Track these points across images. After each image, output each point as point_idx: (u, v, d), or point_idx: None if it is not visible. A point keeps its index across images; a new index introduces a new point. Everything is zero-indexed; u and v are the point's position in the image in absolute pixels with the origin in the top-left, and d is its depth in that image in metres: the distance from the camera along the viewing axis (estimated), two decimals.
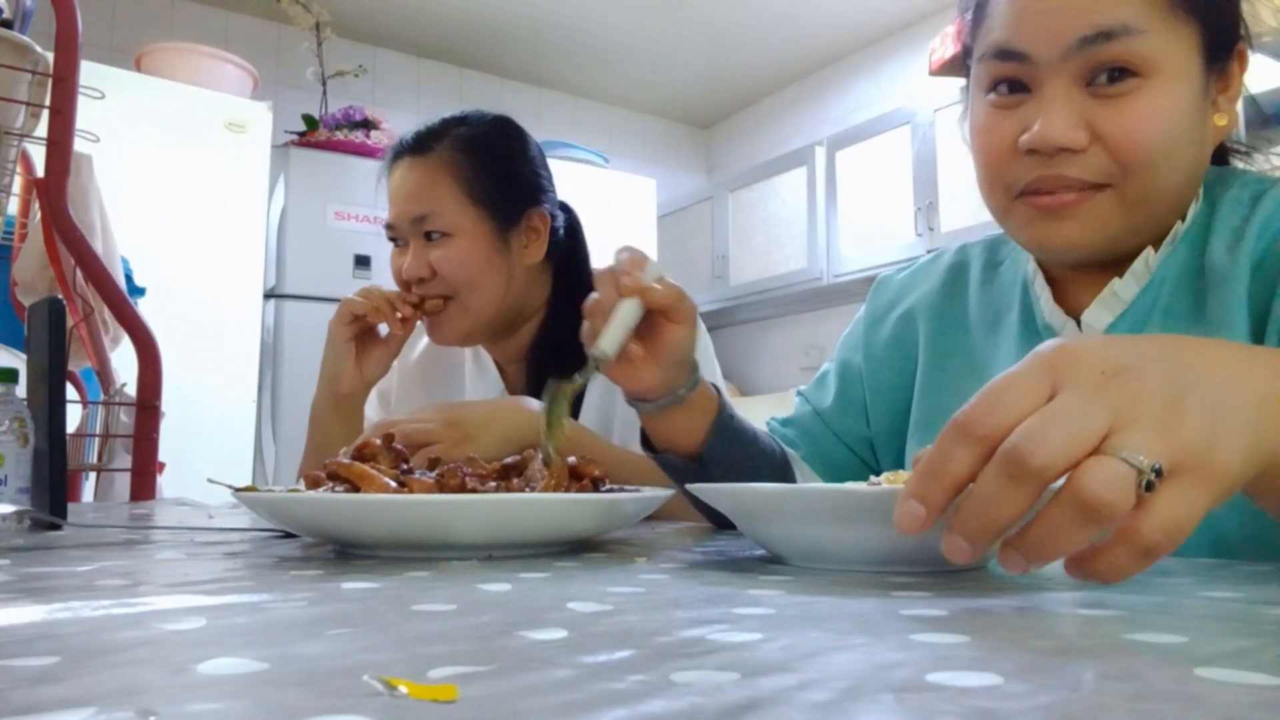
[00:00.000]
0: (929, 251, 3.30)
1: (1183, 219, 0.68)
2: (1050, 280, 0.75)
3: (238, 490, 0.56)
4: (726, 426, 0.73)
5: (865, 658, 0.25)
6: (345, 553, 0.55)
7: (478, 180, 1.06)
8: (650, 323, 0.65)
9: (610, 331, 0.61)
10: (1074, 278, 0.73)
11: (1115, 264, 0.68)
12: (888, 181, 3.47)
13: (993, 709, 0.19)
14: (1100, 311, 0.69)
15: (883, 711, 0.19)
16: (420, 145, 1.07)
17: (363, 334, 1.06)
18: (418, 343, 1.24)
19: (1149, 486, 0.31)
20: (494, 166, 1.07)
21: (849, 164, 3.65)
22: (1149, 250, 0.68)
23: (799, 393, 0.95)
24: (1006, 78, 0.65)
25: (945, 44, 3.17)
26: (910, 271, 0.92)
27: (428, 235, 1.05)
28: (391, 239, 1.10)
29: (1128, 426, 0.32)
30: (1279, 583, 0.41)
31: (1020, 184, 0.65)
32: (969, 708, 0.19)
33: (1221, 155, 0.75)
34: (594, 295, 0.65)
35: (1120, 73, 0.61)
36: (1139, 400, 0.33)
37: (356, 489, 0.55)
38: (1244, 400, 0.35)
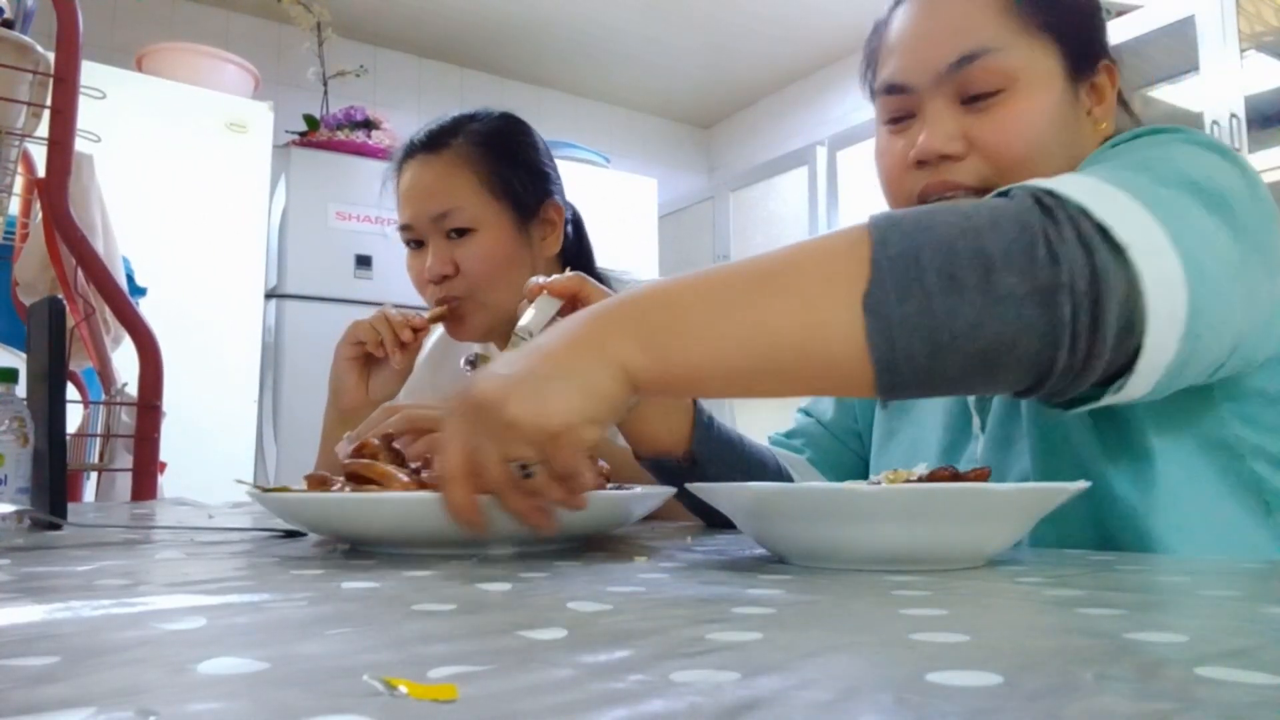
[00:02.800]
0: None
1: None
2: None
3: (269, 489, 0.57)
4: (709, 424, 0.74)
5: (865, 658, 0.25)
6: (349, 551, 0.55)
7: (496, 173, 1.06)
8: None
9: (530, 315, 0.71)
10: None
11: None
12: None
13: (993, 709, 0.19)
14: None
15: (883, 711, 0.19)
16: (434, 143, 1.07)
17: (367, 355, 1.06)
18: (428, 339, 1.25)
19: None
20: (510, 159, 1.07)
21: (850, 164, 3.65)
22: None
23: (799, 409, 0.96)
24: (896, 108, 0.74)
25: None
26: None
27: (448, 233, 1.05)
28: (407, 240, 1.09)
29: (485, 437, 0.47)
30: (1279, 582, 0.41)
31: (915, 193, 0.72)
32: (969, 708, 0.19)
33: None
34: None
35: (989, 92, 0.68)
36: (481, 418, 0.47)
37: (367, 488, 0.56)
38: (576, 354, 0.47)
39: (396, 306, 1.06)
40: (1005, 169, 0.68)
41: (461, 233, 1.04)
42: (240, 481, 0.68)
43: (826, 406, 0.93)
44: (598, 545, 0.59)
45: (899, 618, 0.31)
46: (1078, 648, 0.26)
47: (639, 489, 0.64)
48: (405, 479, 0.57)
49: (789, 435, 0.93)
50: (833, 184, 3.70)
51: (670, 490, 0.62)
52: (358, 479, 0.57)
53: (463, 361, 1.21)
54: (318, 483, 0.58)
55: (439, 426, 0.84)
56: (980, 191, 0.68)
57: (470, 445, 0.47)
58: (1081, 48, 0.71)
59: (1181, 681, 0.22)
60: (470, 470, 0.47)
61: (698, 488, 0.53)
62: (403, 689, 0.21)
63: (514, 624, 0.29)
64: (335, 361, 1.06)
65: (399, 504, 0.52)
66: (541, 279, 0.73)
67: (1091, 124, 0.72)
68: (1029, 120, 0.68)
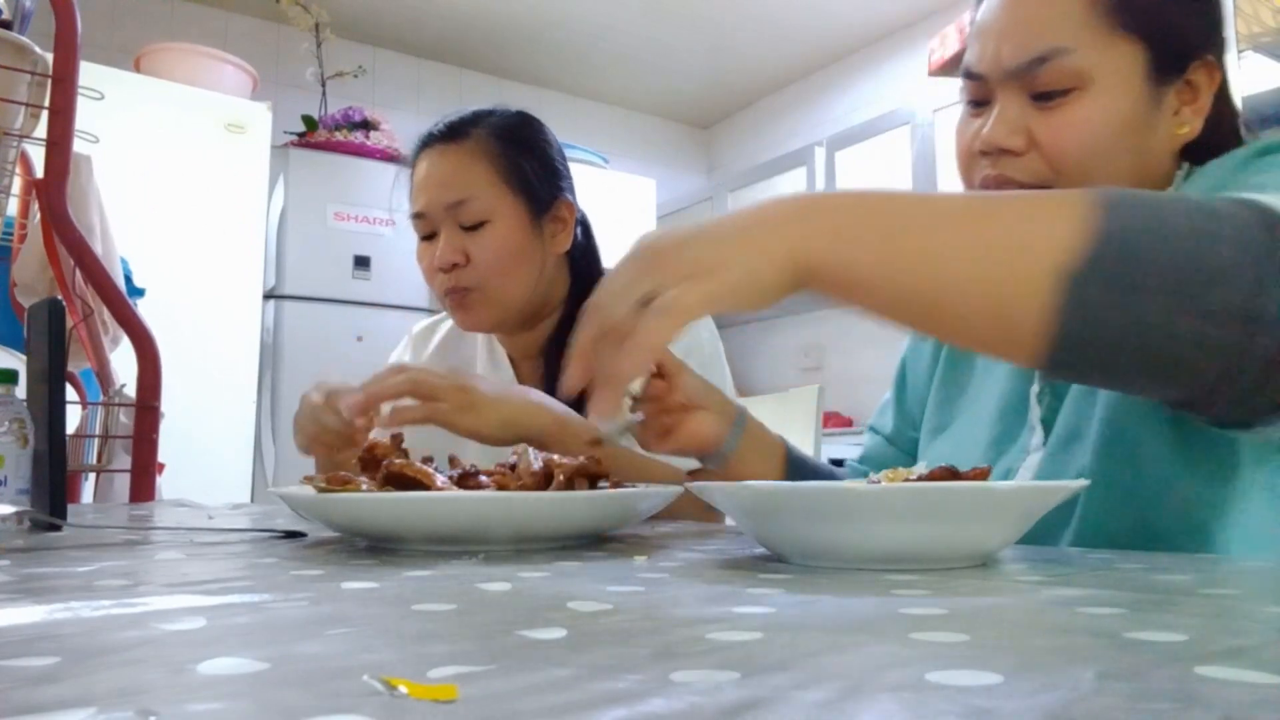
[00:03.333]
0: None
1: None
2: None
3: (319, 484, 0.58)
4: (799, 460, 0.79)
5: (865, 657, 0.25)
6: (349, 551, 0.55)
7: (513, 165, 1.06)
8: (654, 391, 0.76)
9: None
10: None
11: None
12: (887, 182, 3.46)
13: (993, 709, 0.19)
14: None
15: (883, 711, 0.19)
16: (453, 133, 1.07)
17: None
18: (434, 335, 1.25)
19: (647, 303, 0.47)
20: (527, 153, 1.08)
21: (849, 164, 3.65)
22: None
23: (869, 428, 0.97)
24: (974, 93, 0.73)
25: (944, 44, 3.17)
26: None
27: (462, 224, 1.05)
28: (420, 231, 1.09)
29: (650, 267, 0.48)
30: (1279, 582, 0.41)
31: (977, 181, 0.72)
32: (969, 707, 0.19)
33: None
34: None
35: (1061, 91, 0.67)
36: (666, 245, 0.48)
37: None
38: (762, 224, 0.48)
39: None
40: (1063, 170, 0.67)
41: (475, 225, 1.04)
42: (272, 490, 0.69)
43: (887, 420, 0.93)
44: (598, 545, 0.60)
45: (899, 618, 0.31)
46: (1078, 648, 0.26)
47: (641, 488, 0.64)
48: (441, 479, 0.58)
49: (861, 460, 0.95)
50: (831, 185, 3.70)
51: (675, 490, 0.62)
52: (397, 480, 0.58)
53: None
54: (340, 482, 0.59)
55: (440, 395, 0.84)
56: (1035, 188, 0.67)
57: (623, 282, 0.48)
58: (1172, 47, 0.68)
59: (1181, 681, 0.22)
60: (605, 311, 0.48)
61: (697, 487, 0.53)
62: (403, 689, 0.21)
63: (514, 624, 0.29)
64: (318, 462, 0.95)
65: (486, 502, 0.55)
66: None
67: (1174, 125, 0.69)
68: (1095, 124, 0.67)
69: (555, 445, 0.83)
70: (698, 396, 0.77)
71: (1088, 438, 0.67)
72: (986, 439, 0.77)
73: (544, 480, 0.60)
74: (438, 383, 0.84)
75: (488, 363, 1.20)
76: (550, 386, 1.08)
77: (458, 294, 1.06)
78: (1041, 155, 0.68)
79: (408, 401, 0.82)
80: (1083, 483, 0.48)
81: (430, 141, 1.08)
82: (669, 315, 0.46)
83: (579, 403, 1.02)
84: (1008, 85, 0.69)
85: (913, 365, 0.93)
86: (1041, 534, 0.63)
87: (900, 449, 0.92)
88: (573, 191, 1.14)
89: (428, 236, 1.08)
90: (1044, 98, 0.68)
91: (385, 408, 0.82)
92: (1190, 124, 0.70)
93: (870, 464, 0.93)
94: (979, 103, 0.73)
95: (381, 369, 0.86)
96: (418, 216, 1.08)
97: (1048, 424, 0.72)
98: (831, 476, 0.85)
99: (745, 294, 0.47)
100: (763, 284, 0.47)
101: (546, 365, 1.12)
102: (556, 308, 1.13)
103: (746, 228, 0.48)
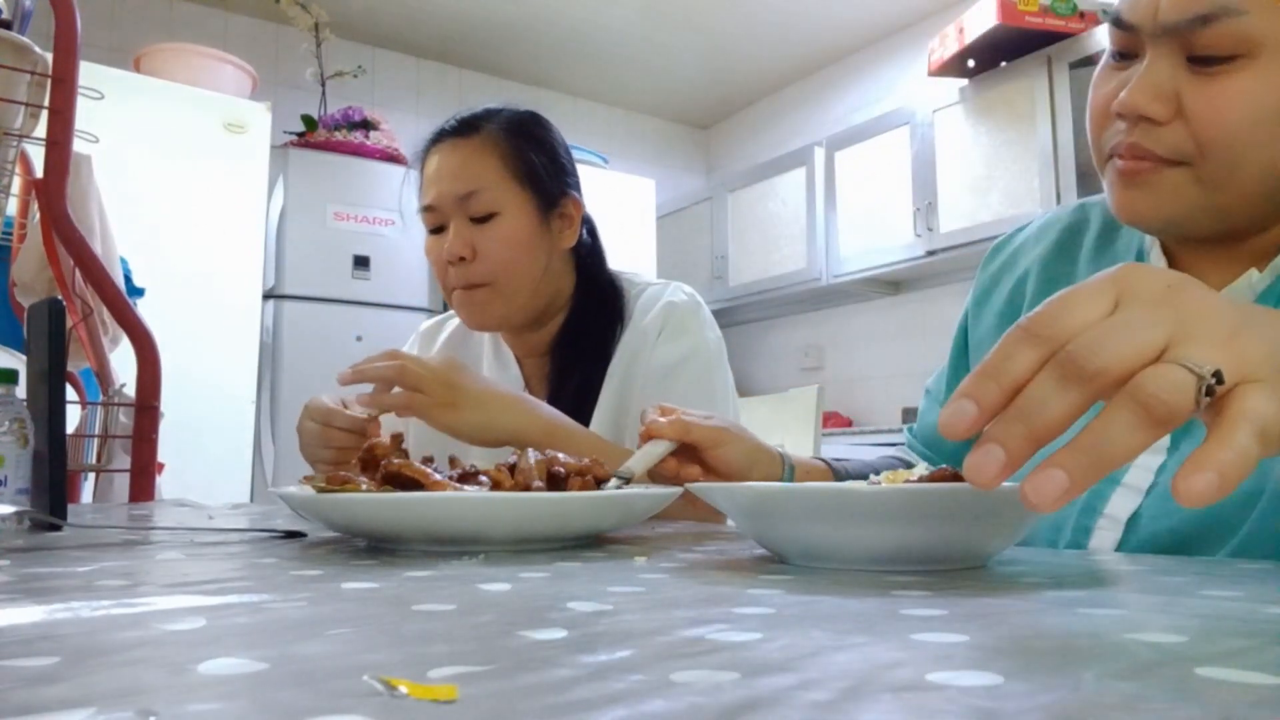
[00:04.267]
0: (928, 253, 3.32)
1: None
2: (1168, 254, 0.71)
3: (322, 486, 0.58)
4: (844, 472, 0.77)
5: (865, 658, 0.25)
6: (349, 551, 0.55)
7: (523, 160, 1.07)
8: (689, 476, 0.72)
9: (638, 459, 0.69)
10: (1194, 258, 0.69)
11: (1240, 248, 0.65)
12: (887, 182, 3.47)
13: (993, 709, 0.19)
14: None
15: (883, 711, 0.19)
16: (465, 127, 1.08)
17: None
18: (441, 333, 1.25)
19: (1209, 392, 0.31)
20: (537, 148, 1.09)
21: (848, 164, 3.66)
22: None
23: (926, 390, 0.94)
24: (1122, 44, 0.65)
25: (944, 44, 3.17)
26: (1024, 234, 0.88)
27: (471, 217, 1.05)
28: (430, 224, 1.09)
29: (1188, 339, 0.32)
30: (1279, 582, 0.41)
31: (1108, 146, 0.65)
32: (969, 708, 0.19)
33: None
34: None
35: (1222, 56, 0.59)
36: (1202, 316, 0.33)
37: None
38: None
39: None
40: (1210, 149, 0.60)
41: (484, 218, 1.05)
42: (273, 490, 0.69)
43: (942, 389, 0.90)
44: (598, 545, 0.60)
45: (899, 618, 0.31)
46: (1078, 648, 0.26)
47: (642, 488, 0.64)
48: (440, 478, 0.58)
49: (914, 434, 0.92)
50: (830, 185, 3.71)
51: (675, 490, 0.62)
52: (396, 480, 0.58)
53: None
54: (340, 482, 0.59)
55: (424, 388, 0.84)
56: (1172, 164, 0.61)
57: (1152, 337, 0.33)
58: None
59: (1181, 682, 0.22)
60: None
61: (697, 488, 0.53)
62: (403, 689, 0.21)
63: (514, 624, 0.29)
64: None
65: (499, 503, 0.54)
66: (652, 416, 0.73)
67: None
68: (1257, 99, 0.59)
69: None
70: (741, 468, 0.73)
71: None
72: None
73: (550, 482, 0.61)
74: (424, 375, 0.84)
75: (494, 361, 1.20)
76: (555, 385, 1.08)
77: (466, 291, 1.06)
78: (1188, 128, 0.60)
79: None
80: None
81: (442, 136, 1.10)
82: (1245, 421, 0.31)
83: (577, 407, 1.02)
84: (1161, 42, 0.61)
85: (976, 328, 0.86)
86: (1197, 543, 0.59)
87: (943, 455, 0.88)
88: (579, 190, 1.15)
89: (436, 230, 1.09)
90: (1203, 62, 0.60)
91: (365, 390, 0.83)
92: None
93: (921, 438, 0.90)
94: (1125, 55, 0.65)
95: (377, 353, 0.86)
96: (428, 209, 1.08)
97: None
98: (874, 469, 0.84)
99: None
100: None
101: (551, 364, 1.12)
102: (562, 307, 1.14)
103: None
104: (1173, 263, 0.71)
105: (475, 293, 1.06)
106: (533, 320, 1.12)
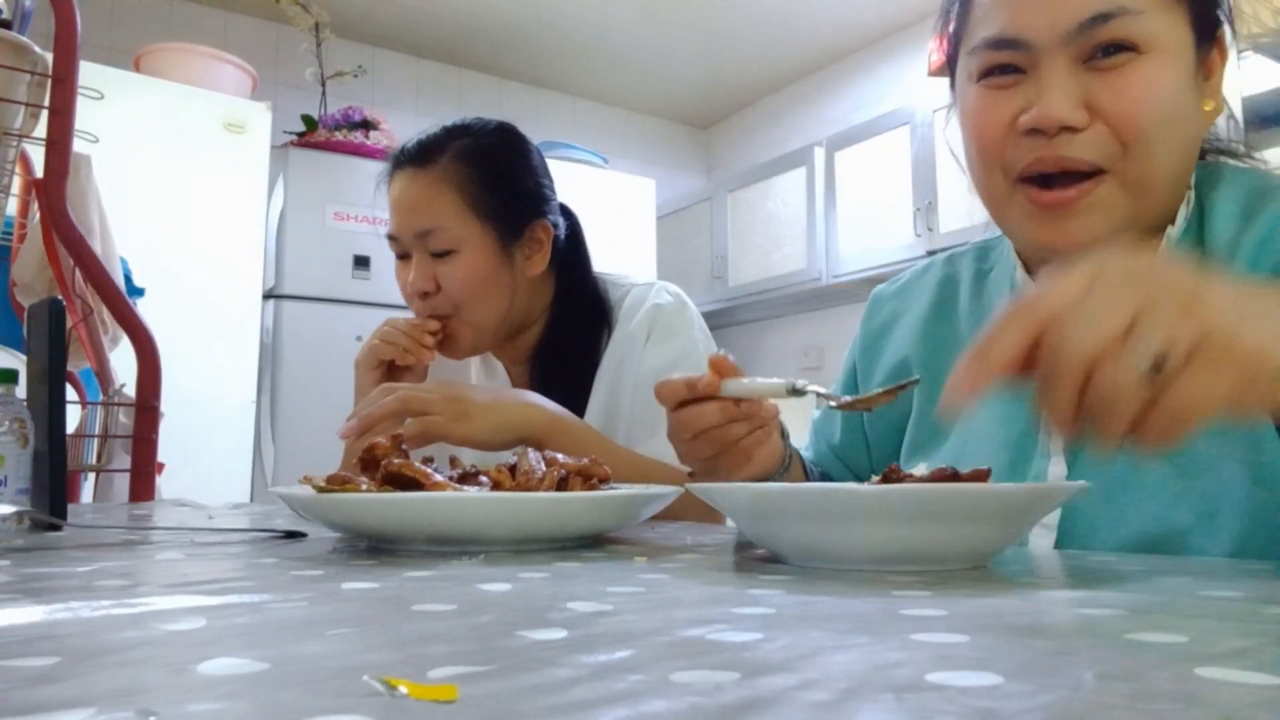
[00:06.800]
0: (929, 253, 3.32)
1: (1173, 222, 0.67)
2: (1033, 274, 0.74)
3: (323, 487, 0.58)
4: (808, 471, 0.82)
5: (865, 658, 0.25)
6: (349, 551, 0.55)
7: (481, 193, 1.05)
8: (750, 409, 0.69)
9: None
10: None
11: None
12: (887, 182, 3.47)
13: (993, 709, 0.19)
14: None
15: (883, 711, 0.19)
16: (423, 156, 1.06)
17: (389, 364, 1.06)
18: None
19: (1158, 369, 0.35)
20: (497, 179, 1.06)
21: (848, 164, 3.65)
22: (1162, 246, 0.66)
23: (814, 423, 0.94)
24: (1000, 64, 0.65)
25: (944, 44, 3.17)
26: (899, 287, 0.89)
27: (432, 252, 1.04)
28: (395, 251, 1.09)
29: (1152, 308, 0.36)
30: (1279, 582, 0.41)
31: (1019, 165, 0.65)
32: (969, 708, 0.19)
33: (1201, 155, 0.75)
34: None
35: (1117, 48, 0.61)
36: (1167, 289, 0.36)
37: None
38: (1273, 311, 0.37)
39: (388, 307, 1.07)
40: (1132, 142, 0.61)
41: (443, 253, 1.04)
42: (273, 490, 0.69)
43: (834, 429, 0.90)
44: (598, 545, 0.60)
45: (899, 618, 0.31)
46: (1078, 648, 0.26)
47: (642, 488, 0.64)
48: (440, 478, 0.58)
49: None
50: (830, 185, 3.71)
51: (675, 490, 0.62)
52: (396, 480, 0.58)
53: None
54: (340, 482, 0.59)
55: (432, 409, 0.85)
56: (1098, 169, 0.62)
57: (1120, 308, 0.36)
58: (1208, 14, 0.64)
59: (1181, 681, 0.22)
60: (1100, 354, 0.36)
61: (697, 488, 0.53)
62: (403, 689, 0.21)
63: (514, 624, 0.29)
64: (360, 388, 1.05)
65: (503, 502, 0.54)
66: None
67: (1201, 103, 0.65)
68: (1160, 90, 0.61)
69: (552, 445, 0.83)
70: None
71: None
72: (1000, 466, 0.69)
73: (555, 482, 0.61)
74: (429, 397, 0.85)
75: (481, 368, 1.21)
76: (540, 391, 1.08)
77: (441, 322, 1.07)
78: (1109, 126, 0.61)
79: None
80: (1082, 484, 0.48)
81: (402, 163, 1.07)
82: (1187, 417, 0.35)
83: (575, 403, 1.02)
84: (1059, 52, 0.62)
85: (867, 379, 0.86)
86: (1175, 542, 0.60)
87: (842, 461, 0.89)
88: (554, 209, 1.12)
89: (403, 256, 1.08)
90: (1105, 54, 0.61)
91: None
92: (1213, 99, 0.66)
93: (816, 466, 0.91)
94: (1005, 72, 0.65)
95: (374, 392, 0.86)
96: (391, 238, 1.08)
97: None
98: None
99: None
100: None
101: (533, 371, 1.12)
102: (539, 317, 1.13)
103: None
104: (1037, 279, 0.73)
105: (445, 326, 1.06)
106: (507, 336, 1.12)
